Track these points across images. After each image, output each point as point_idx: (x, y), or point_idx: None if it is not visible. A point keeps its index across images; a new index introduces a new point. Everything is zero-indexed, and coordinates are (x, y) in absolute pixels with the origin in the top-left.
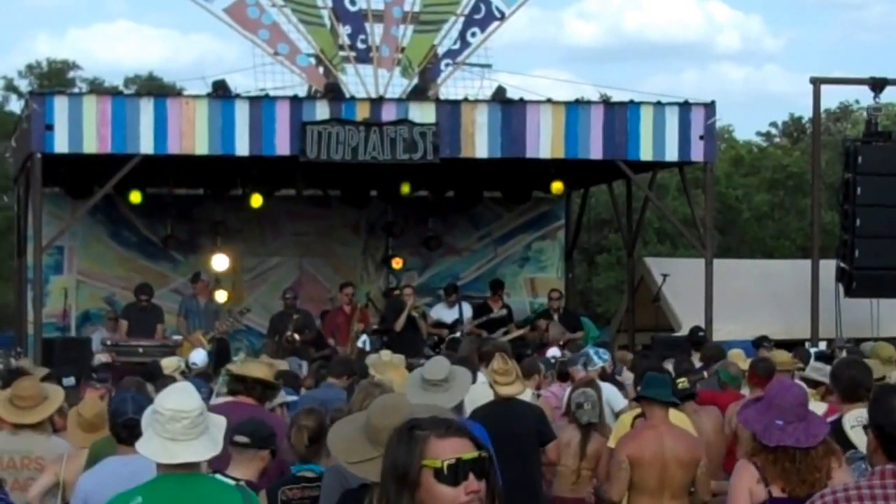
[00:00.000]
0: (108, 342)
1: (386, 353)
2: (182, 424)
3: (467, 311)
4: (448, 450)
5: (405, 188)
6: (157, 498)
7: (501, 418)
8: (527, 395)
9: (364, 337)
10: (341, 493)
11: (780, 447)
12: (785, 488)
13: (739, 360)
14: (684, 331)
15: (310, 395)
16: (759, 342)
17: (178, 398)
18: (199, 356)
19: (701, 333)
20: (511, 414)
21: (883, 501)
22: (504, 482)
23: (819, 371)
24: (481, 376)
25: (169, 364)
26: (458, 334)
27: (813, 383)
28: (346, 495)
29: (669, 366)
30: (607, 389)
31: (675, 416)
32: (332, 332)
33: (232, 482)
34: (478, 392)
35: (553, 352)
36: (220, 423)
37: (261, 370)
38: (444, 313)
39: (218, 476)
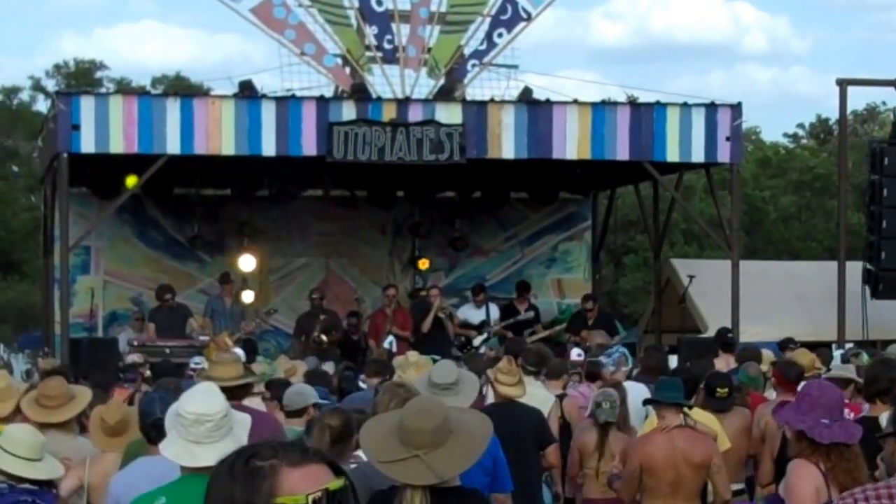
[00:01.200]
0: (135, 342)
1: (413, 354)
2: (205, 427)
3: (494, 312)
4: (308, 480)
5: (431, 189)
6: (180, 498)
7: (501, 420)
8: (550, 398)
9: (390, 338)
10: (371, 494)
11: (832, 446)
12: (842, 488)
13: (766, 360)
14: (711, 332)
15: (359, 396)
16: (786, 344)
17: (201, 401)
18: (239, 353)
19: (730, 335)
20: (511, 416)
21: None
22: None
23: (846, 370)
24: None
25: None
26: (485, 335)
27: (844, 382)
28: (376, 496)
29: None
30: (637, 389)
31: (703, 416)
32: (374, 334)
33: None
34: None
35: (577, 352)
36: (244, 422)
37: (228, 371)
38: (471, 314)
39: None
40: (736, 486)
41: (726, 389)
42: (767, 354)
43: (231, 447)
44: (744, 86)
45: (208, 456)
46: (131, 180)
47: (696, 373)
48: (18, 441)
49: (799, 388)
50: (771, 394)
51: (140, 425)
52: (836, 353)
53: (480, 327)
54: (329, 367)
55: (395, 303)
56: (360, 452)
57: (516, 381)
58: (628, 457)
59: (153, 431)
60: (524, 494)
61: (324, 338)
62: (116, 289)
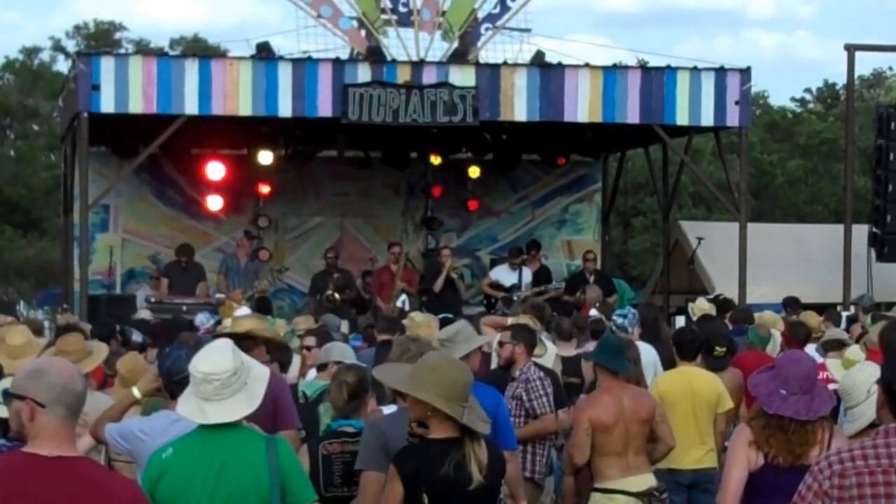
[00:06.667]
0: (153, 299)
1: (417, 315)
2: (213, 386)
3: (527, 275)
4: None
5: (444, 151)
6: (185, 449)
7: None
8: (550, 357)
9: (403, 297)
10: (401, 449)
11: (775, 416)
12: (776, 456)
13: (776, 323)
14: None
15: (367, 354)
16: (789, 303)
17: (210, 360)
18: (244, 313)
19: (720, 297)
20: None
21: (887, 460)
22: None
23: (837, 333)
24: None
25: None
26: (514, 298)
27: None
28: (428, 449)
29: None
30: (646, 350)
31: (704, 375)
32: (378, 290)
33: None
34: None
35: (593, 313)
36: (261, 376)
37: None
38: (503, 276)
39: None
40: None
41: (724, 349)
42: (776, 317)
43: (241, 405)
44: (750, 50)
45: (216, 413)
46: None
47: (701, 334)
48: None
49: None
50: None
51: (164, 382)
52: (844, 315)
53: (510, 290)
54: (343, 325)
55: (406, 259)
56: (385, 408)
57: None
58: (577, 418)
59: (179, 388)
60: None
61: (337, 296)
62: (135, 247)
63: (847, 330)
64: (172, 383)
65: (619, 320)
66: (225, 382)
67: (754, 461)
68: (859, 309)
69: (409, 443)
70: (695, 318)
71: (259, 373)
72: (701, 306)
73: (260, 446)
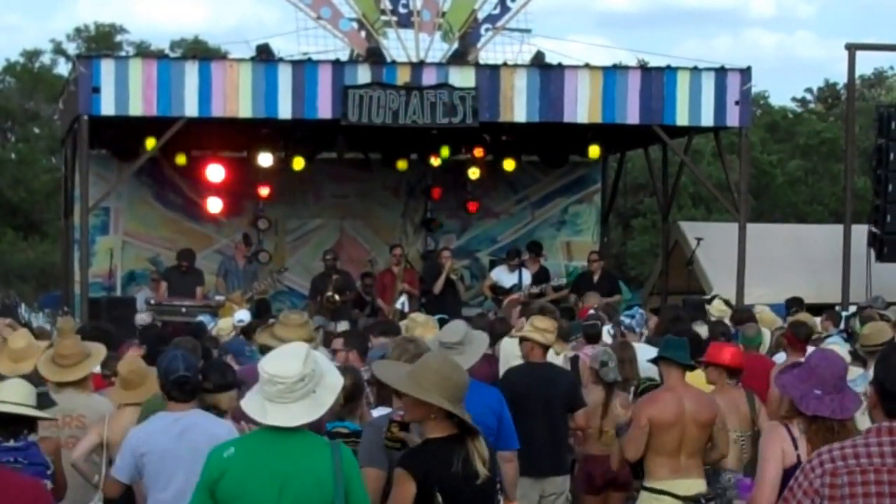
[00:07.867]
0: (152, 301)
1: (419, 315)
2: (277, 388)
3: (527, 276)
4: None
5: (444, 152)
6: (247, 450)
7: (533, 381)
8: (559, 360)
9: (402, 298)
10: (406, 452)
11: (818, 417)
12: None
13: (773, 323)
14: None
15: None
16: (792, 304)
17: (279, 363)
18: (244, 315)
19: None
20: (542, 377)
21: (879, 459)
22: (531, 443)
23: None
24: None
25: (226, 326)
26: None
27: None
28: (433, 448)
29: (702, 328)
30: (647, 351)
31: (699, 372)
32: (380, 293)
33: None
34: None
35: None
36: (332, 385)
37: (295, 333)
38: (503, 277)
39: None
40: None
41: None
42: (767, 310)
43: (304, 411)
44: (751, 50)
45: (278, 416)
46: (151, 142)
47: (697, 334)
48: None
49: (808, 350)
50: (779, 356)
51: (161, 383)
52: (843, 315)
53: (511, 290)
54: (343, 326)
55: (405, 261)
56: (374, 411)
57: (556, 337)
58: (636, 415)
59: (175, 389)
60: (551, 454)
61: (337, 297)
62: (135, 249)
63: (846, 331)
64: (168, 383)
65: (627, 321)
66: (290, 387)
67: (790, 458)
68: (874, 311)
69: (387, 447)
70: (713, 320)
71: (332, 382)
72: (718, 307)
73: (326, 453)
